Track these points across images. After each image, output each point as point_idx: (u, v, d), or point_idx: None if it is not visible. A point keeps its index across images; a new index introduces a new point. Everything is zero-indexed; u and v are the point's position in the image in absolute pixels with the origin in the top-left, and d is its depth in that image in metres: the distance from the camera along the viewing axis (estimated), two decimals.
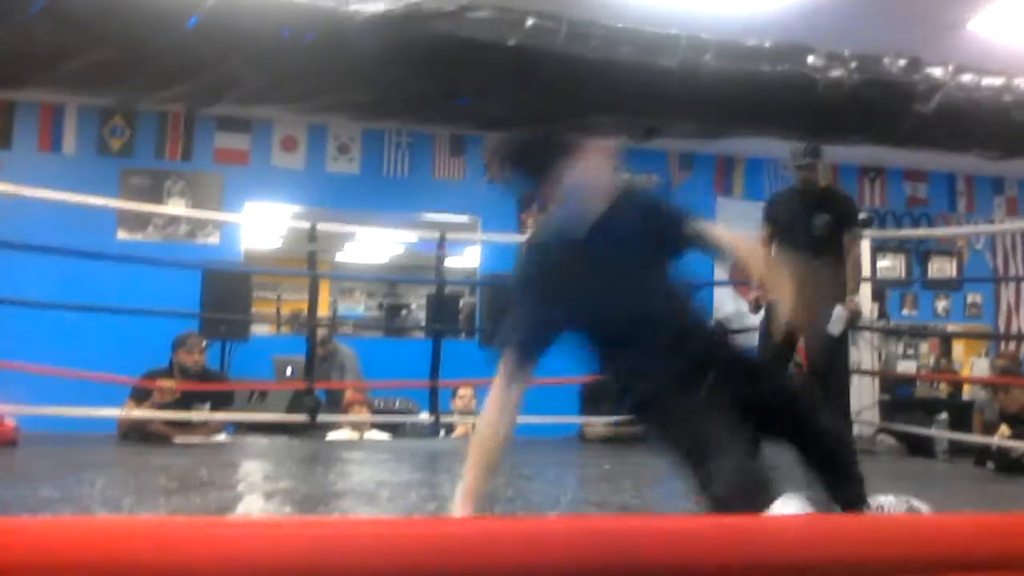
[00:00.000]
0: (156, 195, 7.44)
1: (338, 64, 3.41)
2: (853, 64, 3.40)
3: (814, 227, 4.58)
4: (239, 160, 7.74)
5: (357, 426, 5.54)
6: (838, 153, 7.38)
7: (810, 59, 3.43)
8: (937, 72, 3.36)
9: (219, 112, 7.49)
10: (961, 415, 5.96)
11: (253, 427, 5.56)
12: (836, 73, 3.21)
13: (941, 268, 9.11)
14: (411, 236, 9.60)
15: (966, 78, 3.52)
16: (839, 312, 4.54)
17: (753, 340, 5.62)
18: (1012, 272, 9.08)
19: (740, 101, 3.61)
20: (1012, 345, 7.94)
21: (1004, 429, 4.56)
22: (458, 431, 5.73)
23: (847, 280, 4.63)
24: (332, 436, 5.46)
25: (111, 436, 4.90)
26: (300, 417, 5.25)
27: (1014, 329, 8.77)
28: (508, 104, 3.56)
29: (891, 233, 6.78)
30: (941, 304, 8.97)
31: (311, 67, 3.37)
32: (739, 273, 7.82)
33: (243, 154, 7.78)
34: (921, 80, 3.28)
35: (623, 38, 3.45)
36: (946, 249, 9.08)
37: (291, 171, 7.84)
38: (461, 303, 8.55)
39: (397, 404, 6.49)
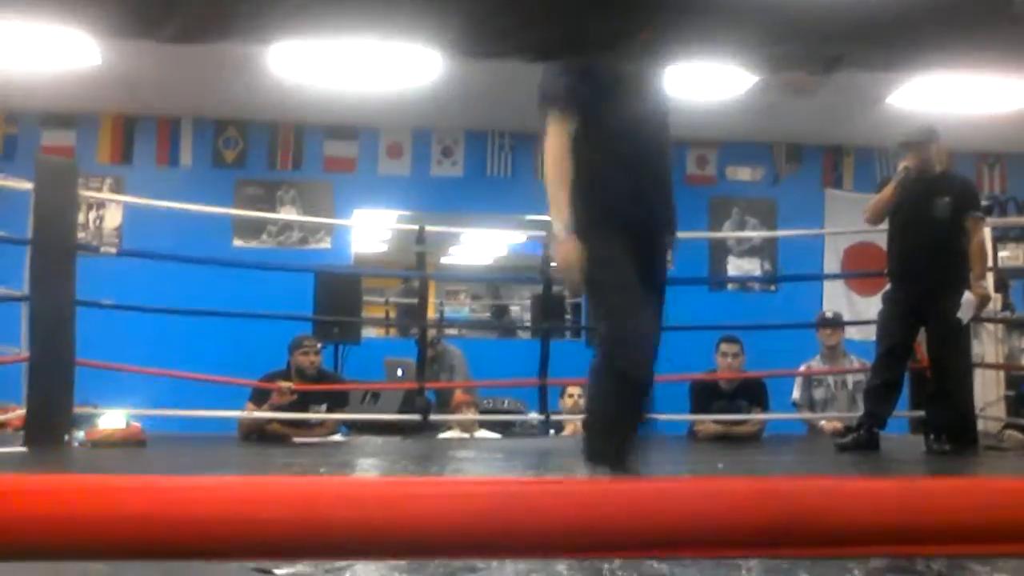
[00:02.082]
0: (269, 204, 7.68)
1: None
2: None
3: (935, 211, 4.44)
4: (347, 168, 7.93)
5: (467, 426, 5.60)
6: (954, 139, 7.13)
7: None
8: None
9: (327, 121, 7.70)
10: None
11: (367, 427, 5.69)
12: None
13: None
14: (516, 237, 9.67)
15: None
16: (968, 298, 4.39)
17: (866, 333, 5.50)
18: None
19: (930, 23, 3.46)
20: None
21: None
22: (567, 429, 5.74)
23: (973, 265, 4.48)
24: (443, 436, 5.55)
25: (232, 437, 5.08)
26: (412, 417, 5.34)
27: None
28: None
29: (1013, 220, 6.51)
30: None
31: None
32: (855, 265, 7.66)
33: (351, 161, 7.97)
34: None
35: None
36: None
37: (397, 176, 7.99)
38: (566, 303, 8.55)
39: (506, 404, 6.54)
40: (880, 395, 4.55)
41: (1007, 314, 6.27)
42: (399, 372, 6.29)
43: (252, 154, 7.81)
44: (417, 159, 8.10)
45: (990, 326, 5.58)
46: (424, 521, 0.78)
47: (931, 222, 4.45)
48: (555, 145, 2.80)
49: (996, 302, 5.77)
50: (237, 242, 7.54)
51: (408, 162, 8.09)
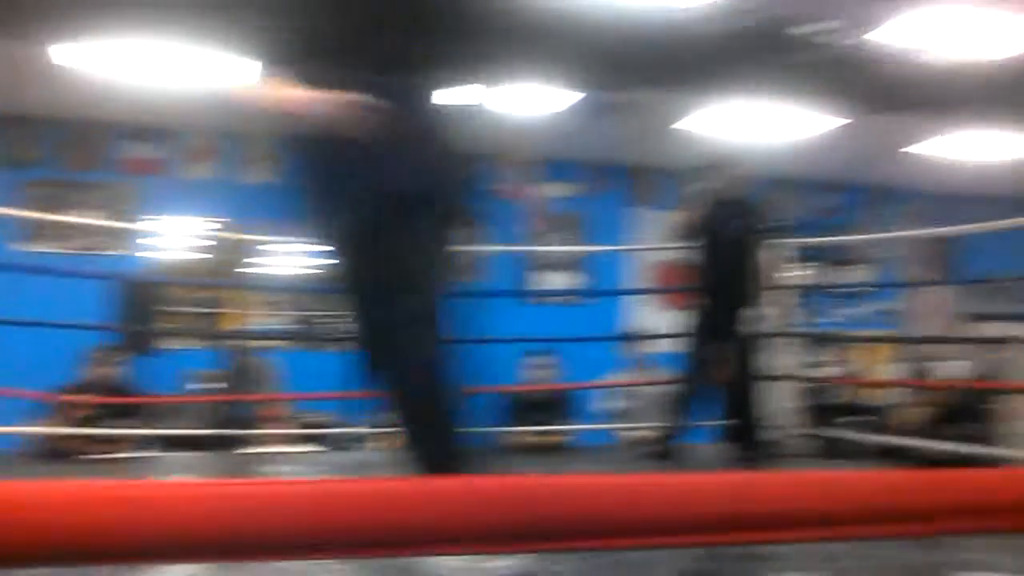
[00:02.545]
0: (64, 205, 7.21)
1: None
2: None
3: (731, 231, 4.71)
4: (151, 170, 7.57)
5: (277, 439, 5.45)
6: (753, 165, 7.58)
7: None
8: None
9: (130, 121, 7.33)
10: (880, 419, 6.17)
11: (171, 442, 5.42)
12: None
13: (855, 276, 9.41)
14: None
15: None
16: (756, 313, 4.69)
17: (664, 347, 5.74)
18: (921, 279, 9.45)
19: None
20: (923, 350, 8.22)
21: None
22: (384, 441, 5.67)
23: (757, 285, 4.78)
24: (252, 450, 5.37)
25: (19, 455, 4.71)
26: (221, 431, 5.14)
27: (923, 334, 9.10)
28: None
29: (808, 241, 6.98)
30: (856, 311, 9.26)
31: None
32: (661, 281, 7.99)
33: (155, 164, 7.61)
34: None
35: None
36: (859, 258, 9.39)
37: (206, 181, 7.69)
38: None
39: (317, 417, 6.41)
40: (679, 406, 4.77)
41: (804, 329, 6.70)
42: (205, 385, 6.04)
43: (46, 153, 7.32)
44: (228, 164, 7.83)
45: (788, 340, 5.93)
46: (237, 523, 0.74)
47: (727, 241, 4.71)
48: None
49: (793, 318, 6.16)
50: (28, 246, 7.03)
51: (218, 167, 7.81)
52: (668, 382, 5.27)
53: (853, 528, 0.92)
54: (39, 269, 5.90)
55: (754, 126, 7.39)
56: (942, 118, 5.84)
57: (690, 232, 4.84)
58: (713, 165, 4.87)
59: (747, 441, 4.67)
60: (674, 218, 4.96)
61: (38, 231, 7.10)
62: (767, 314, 4.72)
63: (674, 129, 7.37)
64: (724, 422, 4.93)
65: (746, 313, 4.70)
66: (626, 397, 5.95)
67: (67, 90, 6.42)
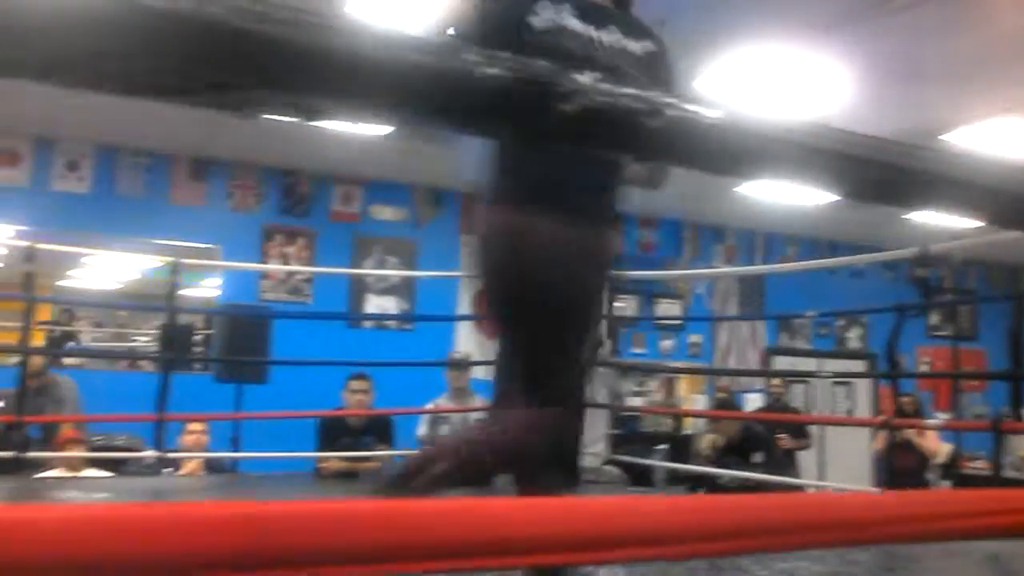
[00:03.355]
0: None
1: None
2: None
3: None
4: None
5: (73, 464, 5.14)
6: None
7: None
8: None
9: None
10: (681, 447, 6.37)
11: None
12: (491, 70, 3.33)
13: (668, 310, 9.74)
14: (146, 262, 9.12)
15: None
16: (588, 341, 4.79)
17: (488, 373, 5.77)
18: (728, 314, 9.87)
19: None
20: (727, 381, 8.59)
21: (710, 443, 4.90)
22: (185, 468, 5.44)
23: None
24: (44, 475, 5.04)
25: None
26: (6, 454, 4.79)
27: (730, 366, 9.50)
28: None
29: (624, 274, 7.20)
30: (667, 343, 9.58)
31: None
32: (480, 308, 8.03)
33: None
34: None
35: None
36: (672, 292, 9.73)
37: (12, 187, 7.25)
38: (195, 335, 8.17)
39: (122, 441, 6.09)
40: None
41: (615, 359, 6.87)
42: None
43: None
44: (37, 170, 7.41)
45: (600, 369, 6.07)
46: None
47: None
48: None
49: (606, 348, 6.31)
50: None
51: (26, 173, 7.38)
52: (484, 409, 5.29)
53: (649, 548, 0.97)
54: None
55: None
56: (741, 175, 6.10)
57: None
58: None
59: (556, 467, 4.72)
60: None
61: None
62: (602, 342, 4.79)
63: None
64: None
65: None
66: (446, 423, 5.93)
67: None
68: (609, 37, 2.16)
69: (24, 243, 5.23)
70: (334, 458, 5.35)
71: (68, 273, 12.02)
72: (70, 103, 6.31)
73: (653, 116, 0.69)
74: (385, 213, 8.67)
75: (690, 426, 7.20)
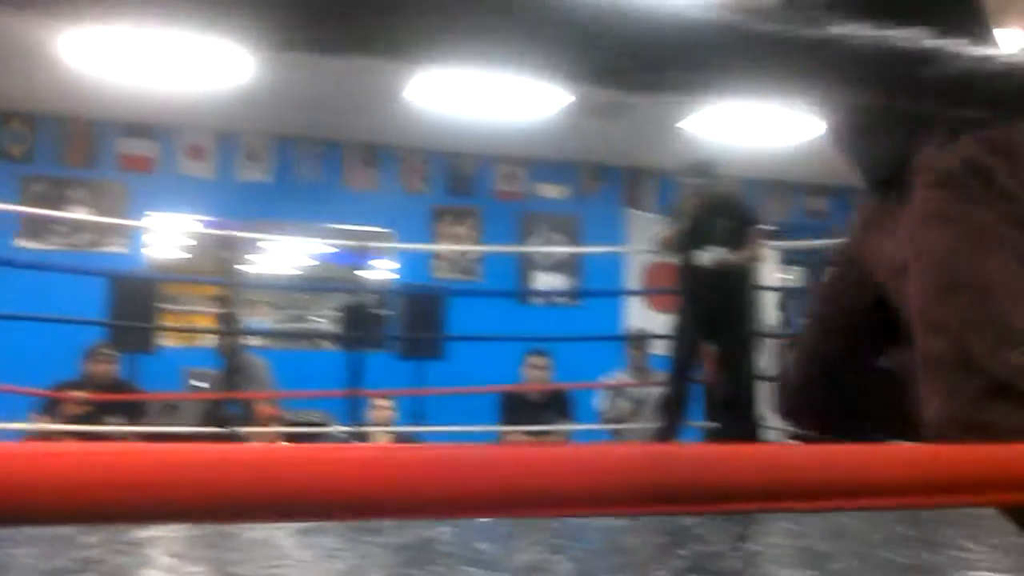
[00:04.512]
0: (58, 202, 7.21)
1: None
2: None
3: (717, 232, 4.75)
4: (145, 168, 7.57)
5: (271, 439, 5.45)
6: (741, 167, 7.62)
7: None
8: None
9: (124, 118, 7.33)
10: None
11: (165, 439, 5.42)
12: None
13: None
14: (325, 247, 9.51)
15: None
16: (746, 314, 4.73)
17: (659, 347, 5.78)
18: None
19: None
20: None
21: None
22: (376, 442, 5.69)
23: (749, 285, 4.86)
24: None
25: None
26: (214, 430, 5.14)
27: None
28: None
29: (795, 244, 7.03)
30: None
31: None
32: (654, 283, 8.01)
33: (149, 161, 7.60)
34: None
35: None
36: None
37: (200, 180, 7.69)
38: (376, 314, 8.48)
39: (312, 417, 6.41)
40: (668, 408, 4.80)
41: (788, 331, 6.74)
42: (199, 383, 6.04)
43: (40, 149, 7.32)
44: (222, 162, 7.83)
45: (772, 341, 5.97)
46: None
47: (714, 242, 4.74)
48: None
49: (778, 320, 6.21)
50: (22, 242, 7.02)
51: (212, 165, 7.81)
52: (662, 383, 5.30)
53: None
54: (35, 265, 5.88)
55: (750, 128, 7.42)
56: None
57: (676, 237, 4.88)
58: (695, 168, 4.91)
59: (739, 442, 4.70)
60: (661, 226, 5.02)
61: (34, 227, 7.09)
62: (761, 315, 4.75)
63: (670, 130, 7.39)
64: (717, 423, 4.96)
65: (735, 313, 4.75)
66: (623, 398, 5.97)
67: (65, 87, 6.41)
68: None
69: (218, 232, 5.57)
70: (517, 432, 5.48)
71: (247, 258, 12.65)
72: (253, 100, 6.67)
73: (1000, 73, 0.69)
74: (549, 191, 8.75)
75: None
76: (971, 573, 2.33)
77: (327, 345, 9.52)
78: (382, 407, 5.67)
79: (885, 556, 2.49)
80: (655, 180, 8.81)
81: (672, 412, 4.78)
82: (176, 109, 7.05)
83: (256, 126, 7.71)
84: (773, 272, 5.95)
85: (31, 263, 5.95)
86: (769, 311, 5.75)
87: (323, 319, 12.22)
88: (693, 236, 4.80)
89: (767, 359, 5.94)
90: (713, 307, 4.73)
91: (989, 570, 2.36)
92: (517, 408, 5.59)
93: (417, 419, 6.15)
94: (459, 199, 8.44)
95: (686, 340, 4.82)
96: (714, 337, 4.82)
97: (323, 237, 7.88)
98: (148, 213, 7.36)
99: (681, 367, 4.82)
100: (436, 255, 8.28)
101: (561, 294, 8.67)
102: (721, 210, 4.82)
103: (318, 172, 8.02)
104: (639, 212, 8.67)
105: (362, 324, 6.46)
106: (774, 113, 7.11)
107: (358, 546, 2.44)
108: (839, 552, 2.58)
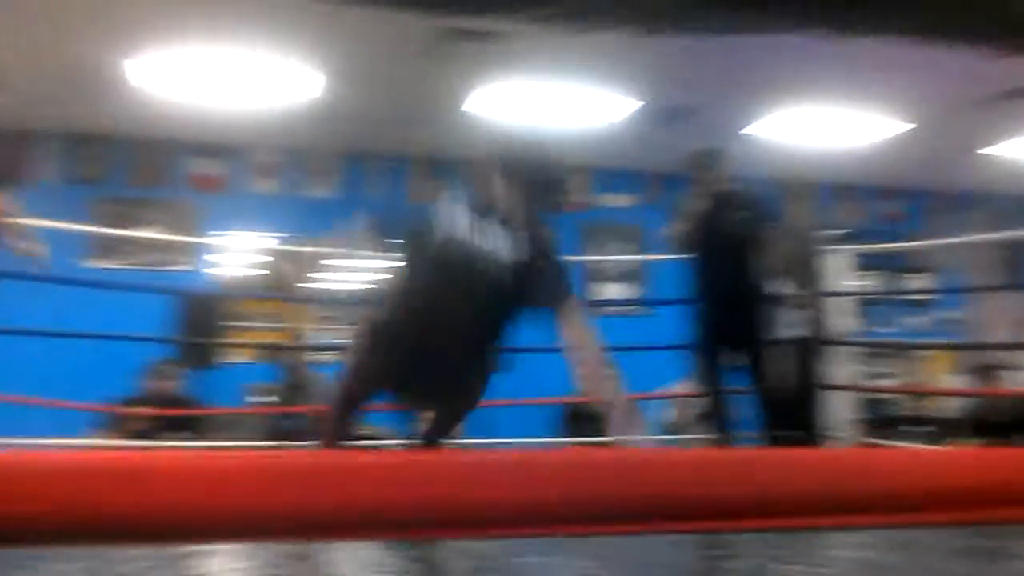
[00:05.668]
0: (128, 222, 7.37)
1: None
2: None
3: (732, 226, 4.40)
4: (214, 187, 7.70)
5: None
6: (812, 170, 7.42)
7: None
8: None
9: (193, 138, 7.47)
10: (939, 430, 5.96)
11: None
12: None
13: (916, 284, 9.14)
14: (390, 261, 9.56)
15: None
16: (791, 315, 4.45)
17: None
18: (987, 285, 9.11)
19: None
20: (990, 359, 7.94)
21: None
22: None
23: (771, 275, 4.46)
24: None
25: None
26: (275, 443, 5.18)
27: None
28: None
29: (870, 247, 6.80)
30: (917, 320, 8.99)
31: None
32: None
33: (218, 181, 7.74)
34: None
35: None
36: (923, 265, 9.12)
37: (268, 197, 7.80)
38: None
39: (371, 431, 6.41)
40: (709, 418, 4.58)
41: (862, 339, 6.52)
42: (263, 398, 6.10)
43: (111, 171, 7.50)
44: (290, 180, 7.93)
45: (845, 349, 5.76)
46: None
47: (727, 237, 4.38)
48: None
49: (852, 327, 5.99)
50: (92, 262, 7.19)
51: (280, 183, 7.92)
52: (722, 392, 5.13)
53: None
54: (105, 284, 6.02)
55: (821, 131, 7.24)
56: None
57: (691, 236, 4.51)
58: (700, 162, 4.52)
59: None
60: (673, 227, 4.62)
61: (105, 247, 7.27)
62: (808, 318, 4.47)
63: (735, 137, 7.25)
64: (775, 432, 4.76)
65: (762, 314, 4.41)
66: (684, 407, 5.85)
67: (134, 108, 6.57)
68: None
69: (286, 248, 5.62)
70: (580, 444, 5.40)
71: (310, 275, 12.79)
72: (319, 117, 6.74)
73: None
74: (613, 200, 8.66)
75: (949, 407, 6.71)
76: None
77: None
78: None
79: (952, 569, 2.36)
80: None
81: (717, 425, 4.52)
82: (244, 128, 7.17)
83: (322, 143, 7.79)
84: (848, 277, 5.74)
85: (103, 283, 6.08)
86: (844, 317, 5.55)
87: None
88: (703, 234, 4.43)
89: (835, 367, 5.74)
90: (733, 316, 4.37)
91: None
92: (580, 420, 5.51)
93: (482, 431, 6.10)
94: None
95: (707, 351, 4.48)
96: (739, 348, 4.45)
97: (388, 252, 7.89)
98: (217, 232, 7.48)
99: (709, 379, 4.51)
100: None
101: (629, 303, 8.56)
102: (734, 206, 4.42)
103: (384, 187, 8.06)
104: None
105: None
106: (846, 116, 6.93)
107: (399, 561, 2.40)
108: (904, 565, 2.44)
